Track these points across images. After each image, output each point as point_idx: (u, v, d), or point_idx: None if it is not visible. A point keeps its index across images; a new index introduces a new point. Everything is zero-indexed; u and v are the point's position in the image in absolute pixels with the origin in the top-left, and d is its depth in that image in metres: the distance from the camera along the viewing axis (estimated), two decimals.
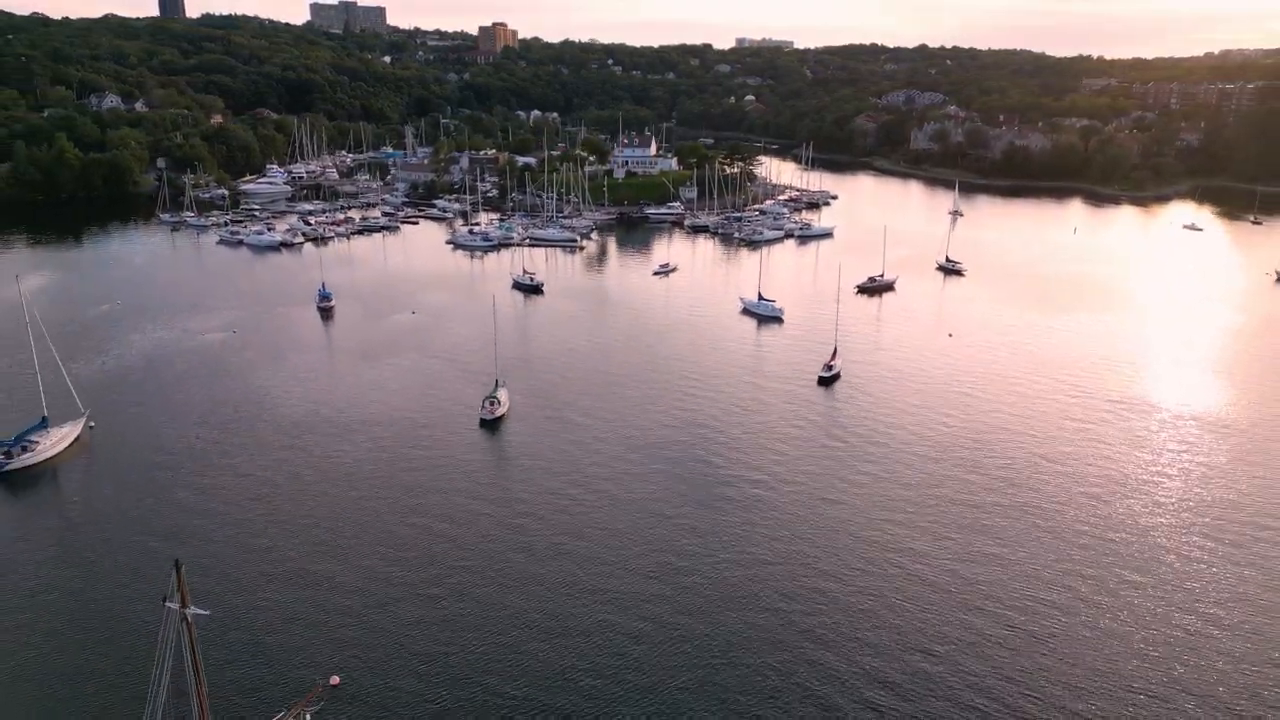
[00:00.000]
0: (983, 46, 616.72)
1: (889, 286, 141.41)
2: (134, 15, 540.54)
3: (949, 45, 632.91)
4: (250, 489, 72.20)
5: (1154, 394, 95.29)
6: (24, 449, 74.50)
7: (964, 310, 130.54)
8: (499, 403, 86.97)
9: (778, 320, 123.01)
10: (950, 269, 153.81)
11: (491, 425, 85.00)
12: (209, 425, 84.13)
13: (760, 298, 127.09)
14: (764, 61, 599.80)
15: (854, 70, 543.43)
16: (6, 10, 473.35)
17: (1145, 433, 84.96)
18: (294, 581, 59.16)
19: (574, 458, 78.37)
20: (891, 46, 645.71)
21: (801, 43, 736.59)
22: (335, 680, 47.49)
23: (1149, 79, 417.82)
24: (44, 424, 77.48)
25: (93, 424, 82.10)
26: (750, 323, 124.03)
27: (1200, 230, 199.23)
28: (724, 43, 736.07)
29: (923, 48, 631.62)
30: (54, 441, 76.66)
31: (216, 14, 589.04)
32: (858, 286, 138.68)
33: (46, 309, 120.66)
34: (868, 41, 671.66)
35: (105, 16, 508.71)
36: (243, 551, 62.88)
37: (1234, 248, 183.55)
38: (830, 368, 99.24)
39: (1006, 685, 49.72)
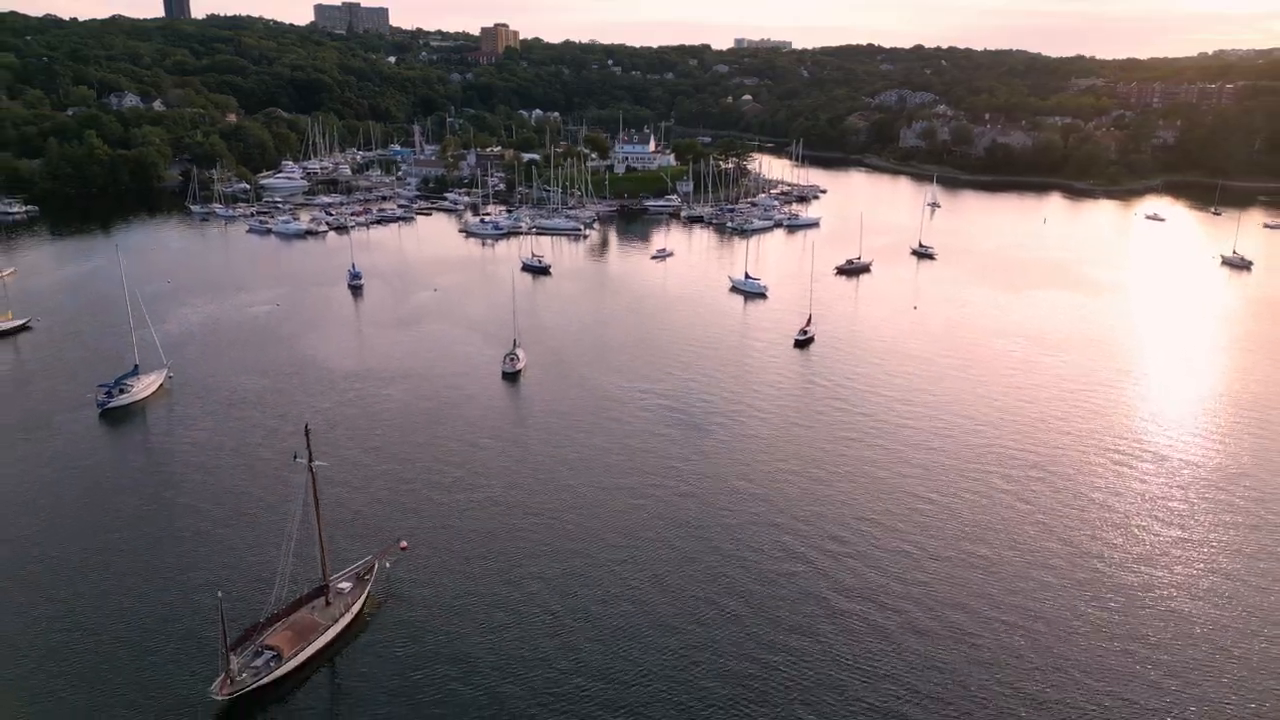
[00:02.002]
0: (980, 47, 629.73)
1: (865, 268, 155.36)
2: (141, 16, 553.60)
3: (945, 46, 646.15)
4: (319, 414, 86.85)
5: (1083, 351, 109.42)
6: (121, 390, 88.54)
7: (932, 288, 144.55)
8: (518, 358, 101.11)
9: (762, 296, 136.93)
10: (923, 253, 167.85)
11: (512, 377, 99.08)
12: (270, 376, 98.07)
13: (747, 276, 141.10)
14: (761, 62, 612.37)
15: (850, 70, 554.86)
16: (21, 12, 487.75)
17: (1066, 377, 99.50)
18: (367, 473, 73.99)
19: (584, 399, 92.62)
20: (888, 47, 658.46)
21: (799, 43, 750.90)
22: (404, 545, 61.12)
23: (1138, 79, 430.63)
24: (135, 371, 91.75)
25: (172, 374, 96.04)
26: (738, 299, 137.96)
27: (1162, 220, 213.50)
28: (723, 43, 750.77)
29: (918, 48, 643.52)
30: (144, 385, 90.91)
31: (222, 15, 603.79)
32: (837, 268, 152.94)
33: (106, 286, 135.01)
34: (864, 42, 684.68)
35: (114, 17, 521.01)
36: (325, 445, 76.75)
37: (1190, 235, 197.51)
38: (805, 332, 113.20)
39: (931, 531, 64.99)
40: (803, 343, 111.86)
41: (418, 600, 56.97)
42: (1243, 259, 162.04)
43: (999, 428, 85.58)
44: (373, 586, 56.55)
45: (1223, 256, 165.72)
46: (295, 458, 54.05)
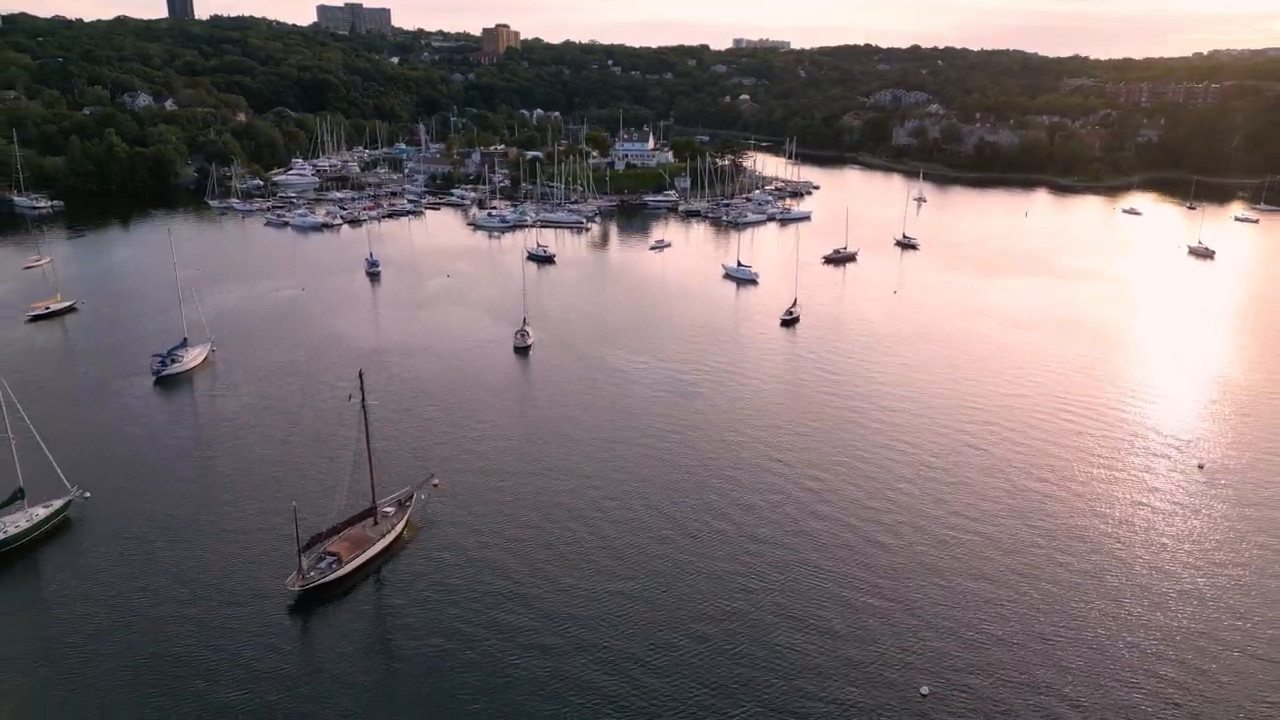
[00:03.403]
0: (978, 47, 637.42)
1: (851, 257, 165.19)
2: (145, 17, 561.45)
3: (942, 46, 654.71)
4: (351, 383, 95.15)
5: (1049, 330, 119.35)
6: (173, 360, 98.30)
7: (913, 276, 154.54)
8: (528, 334, 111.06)
9: (753, 282, 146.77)
10: (906, 244, 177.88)
11: (523, 351, 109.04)
12: (303, 351, 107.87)
13: (739, 264, 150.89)
14: (759, 62, 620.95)
15: (846, 70, 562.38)
16: (31, 14, 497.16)
17: (1030, 351, 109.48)
18: (400, 426, 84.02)
19: (590, 369, 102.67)
20: (885, 47, 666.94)
21: (798, 43, 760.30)
22: (437, 482, 70.72)
23: (1131, 78, 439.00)
24: (185, 343, 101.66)
25: (215, 349, 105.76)
26: (731, 285, 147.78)
27: (1139, 214, 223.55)
28: (722, 44, 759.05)
29: (915, 48, 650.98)
30: (192, 357, 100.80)
31: (226, 15, 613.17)
32: (824, 257, 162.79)
33: (138, 272, 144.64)
34: (862, 42, 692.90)
35: (119, 18, 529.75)
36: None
37: (1163, 228, 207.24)
38: (791, 312, 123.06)
39: (896, 471, 74.69)
40: (789, 322, 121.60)
41: (448, 525, 66.75)
42: (1207, 249, 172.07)
43: (964, 391, 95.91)
44: (412, 513, 66.43)
45: (1189, 247, 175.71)
46: (349, 398, 64.00)
